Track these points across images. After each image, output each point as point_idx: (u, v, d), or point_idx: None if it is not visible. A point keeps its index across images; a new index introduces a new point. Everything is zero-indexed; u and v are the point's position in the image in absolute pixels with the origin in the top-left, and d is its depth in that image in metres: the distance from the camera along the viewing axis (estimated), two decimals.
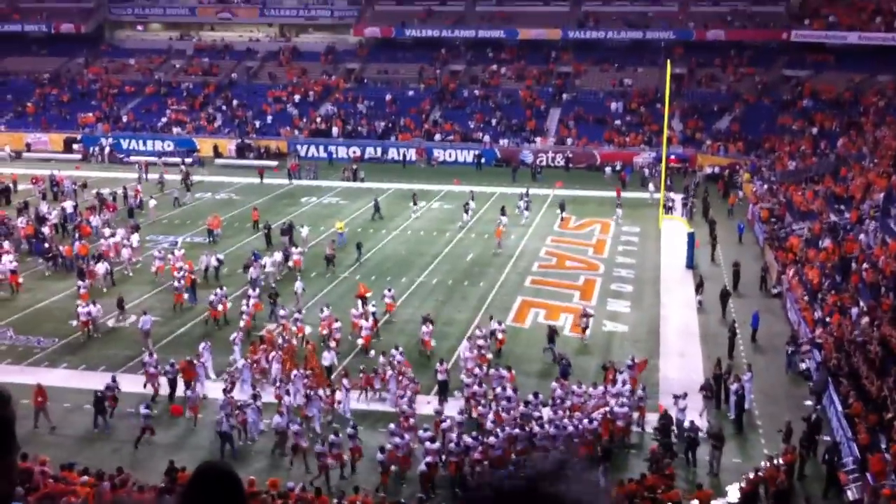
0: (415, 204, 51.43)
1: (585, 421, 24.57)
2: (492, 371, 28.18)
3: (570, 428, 24.26)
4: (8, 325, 34.14)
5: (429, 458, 22.70)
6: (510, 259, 42.99)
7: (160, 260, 39.43)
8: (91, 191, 54.22)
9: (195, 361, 28.31)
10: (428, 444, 22.98)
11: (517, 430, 24.04)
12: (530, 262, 42.63)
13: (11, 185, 55.92)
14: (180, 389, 27.99)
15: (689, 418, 24.97)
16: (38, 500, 17.16)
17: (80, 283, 36.20)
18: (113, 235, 42.62)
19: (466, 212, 49.70)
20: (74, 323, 33.18)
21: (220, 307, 34.05)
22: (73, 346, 32.51)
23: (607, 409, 25.26)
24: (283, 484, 21.73)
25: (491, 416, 25.15)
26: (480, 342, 30.08)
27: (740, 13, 74.53)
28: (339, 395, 27.17)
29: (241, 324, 32.45)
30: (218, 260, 39.56)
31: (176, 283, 36.17)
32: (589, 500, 1.90)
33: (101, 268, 38.12)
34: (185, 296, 35.95)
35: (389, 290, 35.59)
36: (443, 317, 34.98)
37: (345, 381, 27.20)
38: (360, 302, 34.35)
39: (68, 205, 49.61)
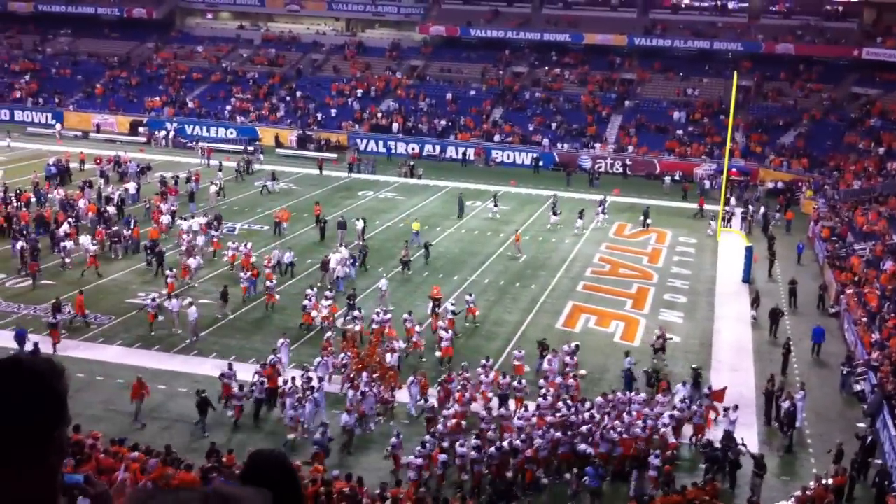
0: (496, 205, 51.36)
1: (626, 428, 24.40)
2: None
3: (614, 435, 24.09)
4: (66, 300, 34.79)
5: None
6: (563, 263, 42.82)
7: (234, 250, 39.45)
8: (154, 174, 55.16)
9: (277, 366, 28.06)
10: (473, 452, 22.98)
11: (559, 434, 23.97)
12: (584, 267, 42.42)
13: (78, 164, 57.10)
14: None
15: (738, 434, 24.69)
16: (88, 472, 17.48)
17: (168, 273, 36.36)
18: (191, 229, 42.45)
19: (555, 213, 49.70)
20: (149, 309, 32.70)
21: (313, 312, 33.08)
22: (128, 323, 33.06)
23: (651, 419, 25.04)
24: (328, 472, 21.91)
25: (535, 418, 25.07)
26: (567, 359, 29.29)
27: (811, 28, 73.39)
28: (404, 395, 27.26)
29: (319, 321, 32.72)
30: (290, 258, 39.44)
31: (243, 275, 36.25)
32: None
33: (192, 262, 37.76)
34: (249, 286, 35.85)
35: (471, 296, 34.99)
36: (492, 317, 34.97)
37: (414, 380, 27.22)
38: (431, 304, 34.17)
39: (131, 186, 50.50)
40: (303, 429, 25.42)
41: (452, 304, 33.54)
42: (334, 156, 65.24)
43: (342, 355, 28.68)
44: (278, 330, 32.28)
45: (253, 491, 1.22)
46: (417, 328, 31.48)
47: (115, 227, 42.21)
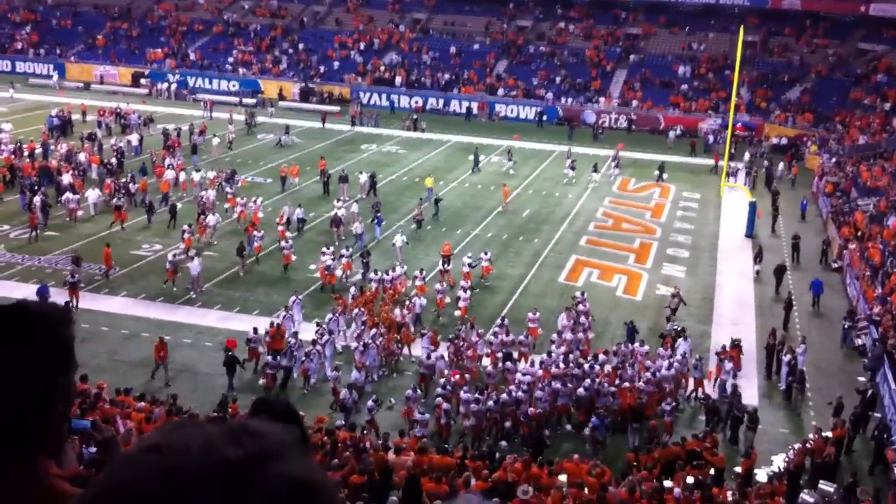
0: (510, 160, 51.11)
1: (626, 383, 24.56)
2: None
3: (612, 388, 24.25)
4: (71, 251, 34.86)
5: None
6: (566, 217, 42.79)
7: (242, 206, 38.77)
8: (156, 126, 54.99)
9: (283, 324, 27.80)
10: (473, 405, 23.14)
11: (559, 386, 24.14)
12: (587, 221, 42.40)
13: (80, 116, 56.91)
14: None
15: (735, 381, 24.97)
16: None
17: (185, 227, 35.60)
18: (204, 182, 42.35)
19: (572, 168, 49.65)
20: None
21: (338, 272, 32.67)
22: (132, 275, 33.14)
23: (651, 372, 25.16)
24: (331, 422, 22.12)
25: (540, 371, 25.22)
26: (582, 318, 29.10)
27: None
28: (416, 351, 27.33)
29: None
30: (301, 214, 38.80)
31: (257, 233, 35.43)
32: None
33: (211, 220, 37.11)
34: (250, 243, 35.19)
35: (486, 253, 34.66)
36: (495, 271, 34.94)
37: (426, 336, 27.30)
38: (441, 260, 33.99)
39: (134, 138, 50.35)
40: (310, 382, 25.57)
41: (469, 258, 33.45)
42: (337, 109, 64.95)
43: (355, 311, 28.66)
44: (282, 282, 32.38)
45: (280, 426, 1.24)
46: (438, 286, 31.07)
47: (123, 180, 41.90)
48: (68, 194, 38.87)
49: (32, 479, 2.12)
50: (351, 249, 34.48)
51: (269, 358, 25.83)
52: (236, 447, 1.16)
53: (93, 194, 39.48)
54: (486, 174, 50.05)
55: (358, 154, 53.27)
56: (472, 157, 51.16)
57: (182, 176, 43.79)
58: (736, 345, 27.30)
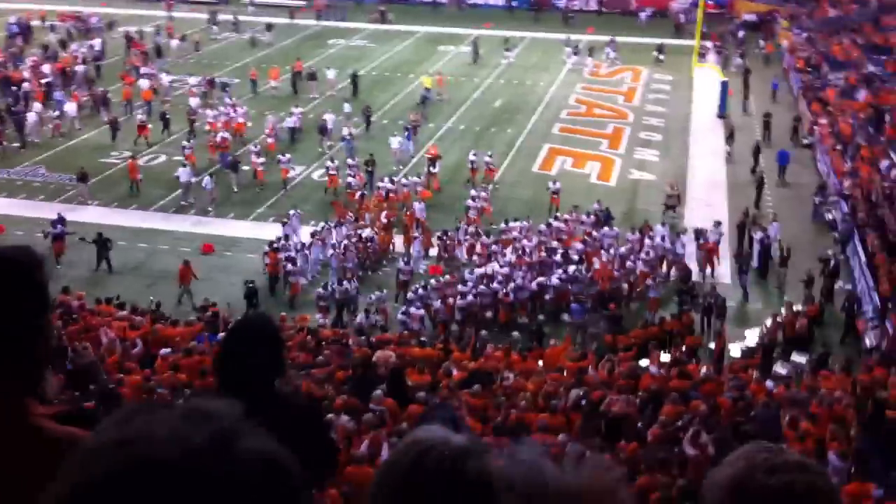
0: (508, 50, 50.31)
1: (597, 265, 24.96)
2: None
3: (588, 274, 24.65)
4: (39, 162, 34.52)
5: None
6: (539, 106, 42.56)
7: (225, 115, 37.32)
8: (118, 29, 53.76)
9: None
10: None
11: (534, 273, 24.55)
12: (559, 109, 42.20)
13: (40, 22, 55.36)
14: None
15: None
16: (76, 332, 17.76)
17: (185, 144, 34.03)
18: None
19: (575, 53, 49.39)
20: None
21: (350, 180, 31.34)
22: (104, 183, 32.86)
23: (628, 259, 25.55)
24: (313, 321, 22.41)
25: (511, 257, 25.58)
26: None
27: None
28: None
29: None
30: (293, 123, 37.15)
31: (282, 157, 33.07)
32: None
33: (218, 137, 35.05)
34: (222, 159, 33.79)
35: (490, 155, 33.67)
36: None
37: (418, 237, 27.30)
38: (428, 163, 33.30)
39: (97, 43, 49.17)
40: (298, 282, 25.65)
41: (473, 155, 32.96)
42: (302, 3, 63.39)
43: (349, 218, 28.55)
44: (270, 193, 32.15)
45: (225, 404, 1.29)
46: (471, 203, 29.75)
47: (101, 89, 40.67)
48: (38, 108, 37.83)
49: (17, 419, 2.21)
50: (357, 160, 32.76)
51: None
52: (199, 432, 1.19)
53: (71, 107, 38.44)
54: (456, 66, 49.41)
55: (325, 49, 52.35)
56: (470, 49, 50.48)
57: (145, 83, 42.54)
58: (716, 239, 27.33)
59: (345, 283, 24.61)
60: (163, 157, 35.10)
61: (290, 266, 25.61)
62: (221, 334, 19.26)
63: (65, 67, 44.41)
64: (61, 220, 27.75)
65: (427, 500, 1.54)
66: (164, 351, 17.47)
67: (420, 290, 24.10)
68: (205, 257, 27.66)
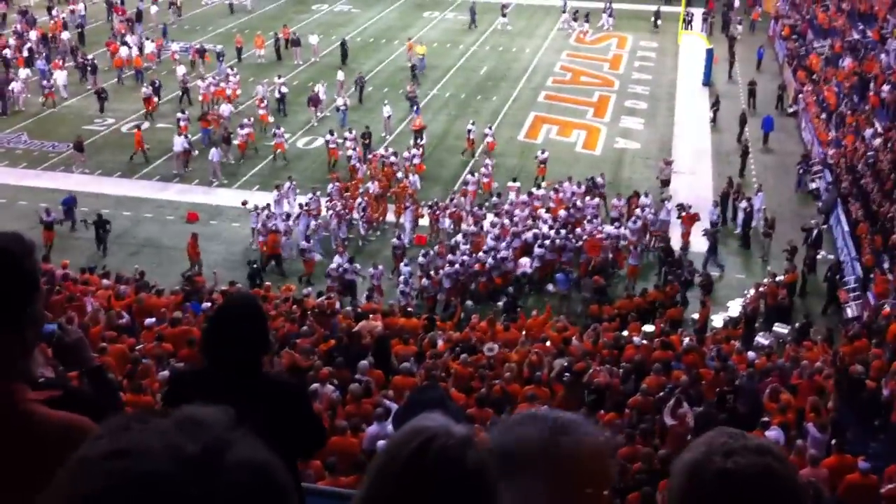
0: (503, 16, 49.76)
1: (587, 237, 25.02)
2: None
3: (575, 244, 24.72)
4: (21, 129, 34.22)
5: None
6: (524, 73, 42.39)
7: (215, 86, 36.68)
8: None
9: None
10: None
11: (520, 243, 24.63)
12: (545, 77, 42.05)
13: None
14: None
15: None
16: (60, 302, 17.70)
17: (179, 115, 33.24)
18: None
19: (574, 19, 49.02)
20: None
21: (350, 152, 30.72)
22: (88, 150, 32.58)
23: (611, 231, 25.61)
24: (298, 291, 22.39)
25: (497, 230, 25.57)
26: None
27: None
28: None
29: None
30: (281, 92, 36.22)
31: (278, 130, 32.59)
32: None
33: (225, 110, 34.51)
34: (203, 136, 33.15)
35: (490, 128, 33.09)
36: (454, 131, 34.81)
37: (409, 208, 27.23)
38: (414, 136, 32.85)
39: (79, 7, 48.51)
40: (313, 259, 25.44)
41: (472, 125, 32.83)
42: None
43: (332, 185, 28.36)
44: (254, 162, 31.93)
45: (217, 411, 1.31)
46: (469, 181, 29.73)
47: (91, 57, 39.80)
48: (23, 75, 37.39)
49: (8, 405, 2.22)
50: (354, 132, 32.12)
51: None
52: (193, 442, 1.20)
53: (61, 76, 37.81)
54: (441, 31, 49.09)
55: (309, 15, 51.84)
56: (457, 15, 50.10)
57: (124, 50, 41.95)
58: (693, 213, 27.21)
59: (336, 257, 24.45)
60: (146, 125, 34.81)
61: (303, 244, 25.39)
62: (206, 304, 19.30)
63: (46, 33, 43.89)
64: (72, 199, 27.25)
65: (428, 489, 1.57)
66: (148, 321, 17.43)
67: (421, 259, 24.13)
68: (190, 226, 27.56)
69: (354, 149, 30.71)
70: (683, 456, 1.74)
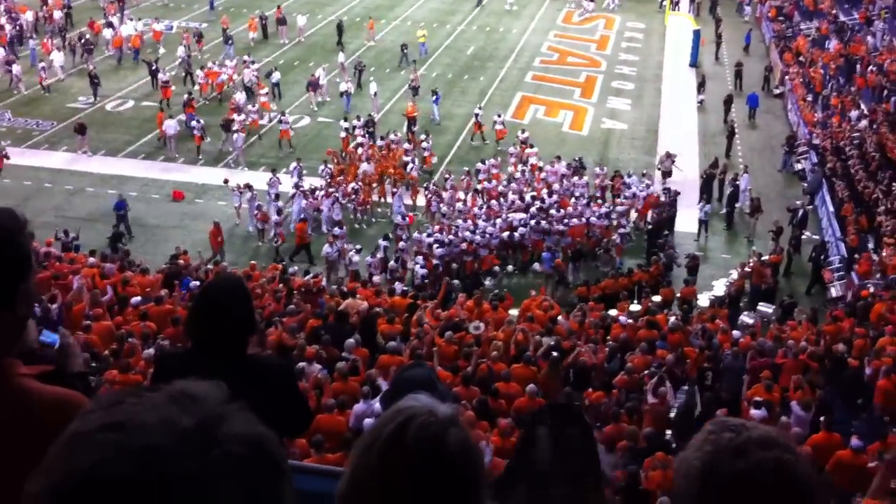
0: None
1: (574, 220, 25.00)
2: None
3: (559, 227, 24.71)
4: (5, 107, 33.95)
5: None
6: (511, 54, 42.27)
7: (217, 66, 36.26)
8: None
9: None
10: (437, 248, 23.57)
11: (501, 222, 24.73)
12: (532, 57, 41.95)
13: None
14: None
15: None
16: (43, 280, 17.61)
17: (186, 97, 32.90)
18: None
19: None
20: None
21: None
22: (71, 129, 32.33)
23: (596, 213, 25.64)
24: (285, 269, 22.33)
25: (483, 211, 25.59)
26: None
27: None
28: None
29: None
30: (278, 78, 35.63)
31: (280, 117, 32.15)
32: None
33: (240, 98, 33.35)
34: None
35: (500, 116, 32.51)
36: (442, 111, 34.65)
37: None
38: (406, 123, 32.30)
39: None
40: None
41: (480, 108, 32.75)
42: None
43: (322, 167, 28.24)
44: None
45: (211, 385, 1.30)
46: (426, 144, 30.10)
47: (88, 37, 39.17)
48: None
49: (0, 379, 2.21)
50: (362, 119, 31.65)
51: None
52: (187, 415, 1.19)
53: (58, 56, 37.16)
54: (427, 11, 48.82)
55: None
56: None
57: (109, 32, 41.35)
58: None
59: (326, 246, 24.25)
60: (130, 103, 34.64)
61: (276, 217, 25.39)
62: (195, 282, 19.21)
63: (37, 12, 43.31)
64: (124, 203, 26.06)
65: (409, 467, 1.58)
66: (134, 300, 17.38)
67: (424, 237, 24.17)
68: (175, 204, 27.50)
69: (364, 136, 30.32)
70: (689, 457, 1.75)
